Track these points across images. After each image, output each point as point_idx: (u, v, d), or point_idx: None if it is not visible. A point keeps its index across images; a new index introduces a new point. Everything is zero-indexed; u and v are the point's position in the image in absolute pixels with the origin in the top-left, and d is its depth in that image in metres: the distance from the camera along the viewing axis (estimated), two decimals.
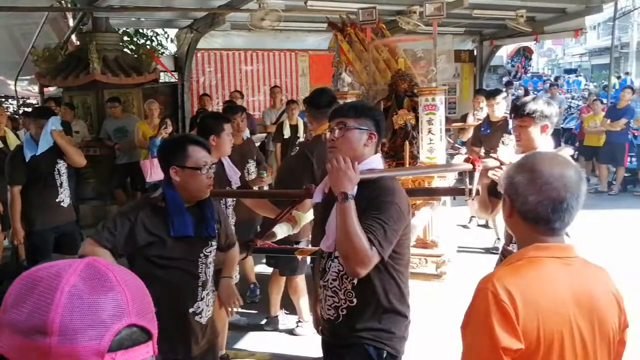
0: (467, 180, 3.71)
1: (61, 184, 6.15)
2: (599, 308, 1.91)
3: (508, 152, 3.68)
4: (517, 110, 3.89)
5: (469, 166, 3.56)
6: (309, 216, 4.90)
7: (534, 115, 3.77)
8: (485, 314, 1.80)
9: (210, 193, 4.06)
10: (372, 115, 2.94)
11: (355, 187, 2.71)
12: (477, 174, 3.61)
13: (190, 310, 3.26)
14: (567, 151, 3.79)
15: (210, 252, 3.35)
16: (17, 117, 12.39)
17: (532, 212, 1.92)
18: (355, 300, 2.86)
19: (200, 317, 3.31)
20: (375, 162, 2.95)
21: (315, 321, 3.45)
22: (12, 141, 7.48)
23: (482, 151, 7.65)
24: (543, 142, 3.82)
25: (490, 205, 3.90)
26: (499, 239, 8.06)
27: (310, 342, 5.69)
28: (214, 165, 3.30)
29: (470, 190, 3.61)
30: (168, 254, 3.15)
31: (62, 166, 6.13)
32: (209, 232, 3.29)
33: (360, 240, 2.58)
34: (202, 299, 3.30)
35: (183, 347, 3.25)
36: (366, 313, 2.87)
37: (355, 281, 2.83)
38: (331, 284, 2.93)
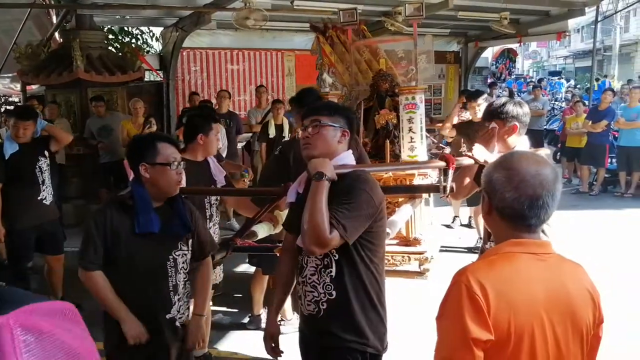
0: (442, 177, 3.75)
1: (43, 181, 6.10)
2: (573, 304, 1.95)
3: (482, 150, 3.72)
4: (488, 112, 3.97)
5: (443, 164, 3.61)
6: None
7: (502, 116, 3.83)
8: (458, 305, 1.86)
9: (193, 191, 4.06)
10: (345, 114, 3.04)
11: (332, 175, 2.82)
12: (451, 172, 3.66)
13: (167, 316, 3.27)
14: (543, 151, 3.84)
15: (180, 255, 3.32)
16: None
17: (509, 208, 1.97)
18: (334, 293, 2.90)
19: (175, 322, 3.34)
20: (347, 157, 3.02)
21: (270, 330, 3.46)
22: None
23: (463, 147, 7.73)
24: (517, 141, 3.88)
25: (467, 189, 3.98)
26: (480, 238, 8.12)
27: (293, 340, 5.70)
28: (183, 162, 3.30)
29: (445, 187, 3.66)
30: (134, 253, 3.15)
31: (43, 163, 6.09)
32: (177, 230, 3.28)
33: (322, 219, 2.67)
34: (174, 304, 3.30)
35: (162, 353, 3.27)
36: (346, 307, 2.90)
37: (333, 274, 2.88)
38: (309, 278, 2.97)
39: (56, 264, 6.47)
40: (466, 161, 3.85)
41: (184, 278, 3.38)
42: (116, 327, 3.23)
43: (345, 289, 2.89)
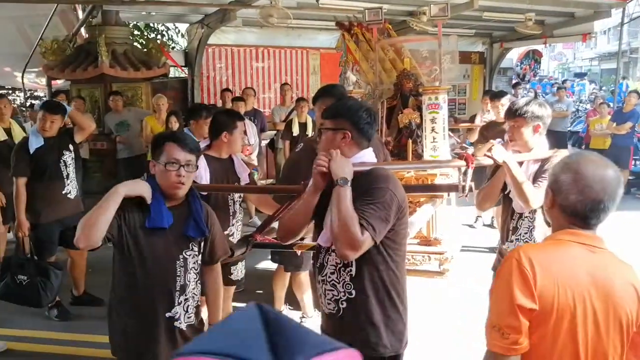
0: (461, 177, 3.74)
1: (67, 175, 6.14)
2: (617, 296, 2.08)
3: (501, 150, 3.72)
4: (510, 111, 3.99)
5: (462, 163, 3.60)
6: None
7: (525, 115, 3.86)
8: (508, 277, 2.09)
9: (211, 188, 4.08)
10: (348, 115, 2.98)
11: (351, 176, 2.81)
12: (470, 171, 3.65)
13: (167, 315, 3.25)
14: (562, 152, 3.83)
15: (191, 256, 3.32)
16: (23, 109, 12.42)
17: (571, 208, 2.17)
18: (354, 292, 2.90)
19: (180, 323, 3.30)
20: (366, 156, 3.03)
21: None
22: (18, 133, 7.45)
23: None
24: (537, 142, 3.87)
25: (493, 197, 4.01)
26: (479, 217, 8.15)
27: None
28: (190, 166, 3.26)
29: (464, 187, 3.65)
30: (143, 247, 3.16)
31: (68, 157, 6.13)
32: (190, 233, 3.29)
33: (353, 224, 2.67)
34: (179, 304, 3.28)
35: (151, 353, 3.26)
36: (366, 306, 2.90)
37: (353, 272, 2.88)
38: (329, 277, 2.97)
39: (79, 258, 6.53)
40: (486, 161, 3.86)
41: (195, 279, 3.37)
42: (117, 320, 3.31)
43: (365, 288, 2.89)
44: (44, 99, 12.67)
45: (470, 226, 9.59)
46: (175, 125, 8.39)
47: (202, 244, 3.42)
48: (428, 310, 5.75)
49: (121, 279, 3.26)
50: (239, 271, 5.23)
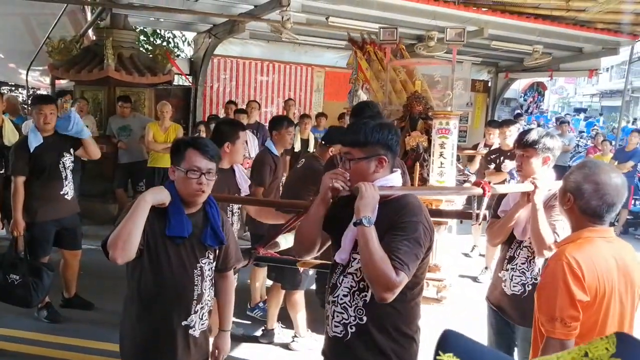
0: (476, 204, 3.68)
1: (66, 176, 6.09)
2: (631, 272, 2.71)
3: (542, 195, 3.67)
4: (522, 140, 3.96)
5: (479, 191, 3.54)
6: None
7: (537, 146, 3.86)
8: (563, 276, 2.56)
9: (219, 198, 3.99)
10: (379, 138, 2.80)
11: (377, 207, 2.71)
12: (486, 199, 3.59)
13: (183, 323, 3.19)
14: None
15: (207, 264, 3.26)
16: (25, 106, 12.38)
17: (592, 210, 2.68)
18: (365, 319, 2.79)
19: (194, 330, 3.25)
20: (394, 179, 2.87)
21: None
22: (8, 131, 7.34)
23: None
24: (544, 173, 3.82)
25: (506, 233, 3.94)
26: (486, 268, 8.11)
27: (305, 358, 5.64)
28: (211, 173, 3.21)
29: (478, 215, 3.60)
30: (162, 256, 3.09)
31: (67, 159, 6.08)
32: (209, 241, 3.23)
33: (385, 266, 2.55)
34: (195, 313, 3.23)
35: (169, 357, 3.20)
36: (375, 334, 2.79)
37: (367, 299, 2.77)
38: (341, 299, 2.85)
39: (73, 259, 6.45)
40: (501, 189, 3.81)
41: (210, 286, 3.32)
42: (130, 328, 3.21)
43: (378, 317, 2.78)
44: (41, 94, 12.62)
45: (466, 255, 9.55)
46: (203, 134, 8.37)
47: (217, 251, 3.37)
48: (423, 337, 5.67)
49: (137, 287, 3.16)
50: (234, 286, 5.15)
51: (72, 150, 6.14)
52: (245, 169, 6.21)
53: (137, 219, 2.89)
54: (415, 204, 2.80)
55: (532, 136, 3.91)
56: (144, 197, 2.96)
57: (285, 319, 5.98)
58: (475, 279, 8.28)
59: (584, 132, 23.63)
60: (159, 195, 3.05)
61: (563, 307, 2.56)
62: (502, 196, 4.06)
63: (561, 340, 2.56)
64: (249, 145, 8.50)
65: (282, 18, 8.75)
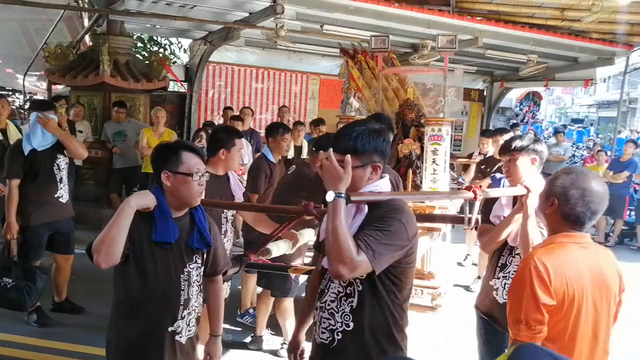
0: (467, 209, 3.68)
1: (61, 179, 6.09)
2: (607, 279, 2.72)
3: (535, 200, 3.67)
4: (505, 146, 4.01)
5: (471, 194, 3.53)
6: (306, 237, 4.86)
7: (521, 148, 3.89)
8: (530, 281, 2.58)
9: (212, 204, 3.98)
10: (375, 145, 2.77)
11: (366, 207, 2.73)
12: (477, 204, 3.59)
13: (170, 329, 3.16)
14: None
15: (194, 268, 3.23)
16: (22, 111, 12.41)
17: (575, 216, 2.69)
18: (351, 325, 2.76)
19: (180, 337, 3.21)
20: (382, 185, 2.85)
21: (292, 344, 3.34)
22: (13, 134, 7.42)
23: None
24: (533, 176, 3.82)
25: (500, 241, 3.94)
26: (479, 277, 8.10)
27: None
28: (207, 174, 3.23)
29: (470, 219, 3.60)
30: (148, 261, 3.06)
31: (62, 161, 6.08)
32: (196, 245, 3.21)
33: (346, 240, 2.49)
34: (182, 318, 3.20)
35: None
36: (362, 341, 2.76)
37: (354, 304, 2.74)
38: (329, 305, 2.83)
39: (65, 263, 6.44)
40: (492, 193, 3.83)
41: (197, 292, 3.29)
42: (116, 334, 3.19)
43: (364, 322, 2.75)
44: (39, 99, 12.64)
45: (459, 264, 9.55)
46: (204, 141, 8.42)
47: (205, 255, 3.34)
48: (417, 346, 5.66)
49: (124, 293, 3.14)
50: (223, 291, 5.14)
51: (66, 151, 6.14)
52: (239, 175, 6.22)
53: (121, 224, 2.86)
54: (400, 205, 2.77)
55: (516, 140, 3.96)
56: (129, 202, 2.93)
57: (275, 326, 5.98)
58: (467, 288, 8.28)
59: (573, 142, 23.67)
60: (144, 200, 3.02)
61: (528, 310, 2.58)
62: (493, 201, 4.05)
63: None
64: (242, 153, 8.51)
65: (277, 26, 8.77)
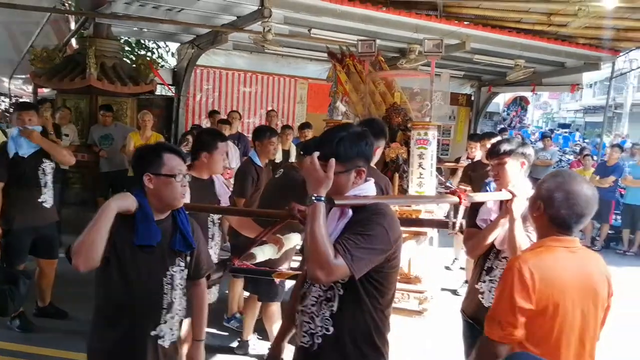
0: (452, 213, 3.67)
1: (45, 183, 6.02)
2: (595, 284, 2.69)
3: (520, 204, 3.66)
4: (492, 150, 4.01)
5: (456, 199, 3.52)
6: (292, 241, 4.83)
7: (510, 152, 3.89)
8: (510, 284, 2.56)
9: (196, 208, 3.95)
10: (358, 149, 2.74)
11: (350, 210, 2.69)
12: (462, 208, 3.58)
13: (152, 333, 3.13)
14: None
15: (177, 272, 3.20)
16: (7, 115, 12.35)
17: (560, 219, 2.67)
18: (331, 329, 2.73)
19: (163, 341, 3.18)
20: (367, 189, 2.82)
21: (273, 349, 3.32)
22: None
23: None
24: (521, 180, 3.83)
25: (486, 246, 3.93)
26: (466, 282, 8.09)
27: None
28: (188, 175, 3.22)
29: (454, 223, 3.57)
30: (130, 265, 3.03)
31: (47, 166, 6.02)
32: (178, 247, 3.18)
33: (324, 244, 2.47)
34: (165, 322, 3.17)
35: None
36: (342, 346, 2.74)
37: (334, 309, 2.72)
38: (309, 309, 2.80)
39: (48, 268, 6.38)
40: (477, 198, 3.83)
41: (181, 296, 3.25)
42: (98, 338, 3.15)
43: (344, 327, 2.73)
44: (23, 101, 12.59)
45: (447, 268, 9.54)
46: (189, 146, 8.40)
47: (188, 258, 3.31)
48: (404, 350, 5.65)
49: (105, 297, 3.11)
50: (212, 295, 5.11)
51: (51, 157, 6.09)
52: (226, 179, 6.20)
53: (101, 226, 2.85)
54: (382, 209, 2.74)
55: (504, 143, 3.96)
56: (109, 204, 2.92)
57: (262, 331, 5.94)
58: (455, 292, 8.28)
59: (560, 147, 23.77)
60: (124, 202, 3.00)
61: (503, 312, 2.58)
62: (479, 204, 4.04)
63: (494, 342, 2.59)
64: (229, 156, 8.48)
65: (264, 29, 8.75)
